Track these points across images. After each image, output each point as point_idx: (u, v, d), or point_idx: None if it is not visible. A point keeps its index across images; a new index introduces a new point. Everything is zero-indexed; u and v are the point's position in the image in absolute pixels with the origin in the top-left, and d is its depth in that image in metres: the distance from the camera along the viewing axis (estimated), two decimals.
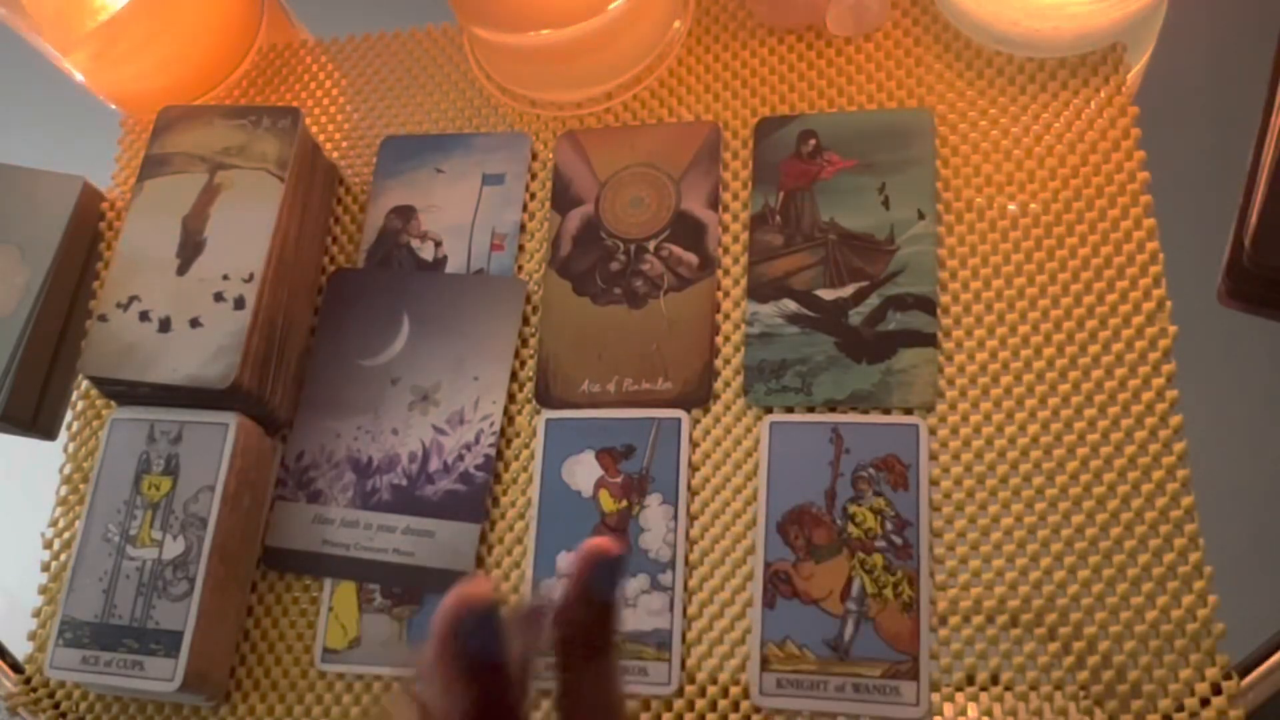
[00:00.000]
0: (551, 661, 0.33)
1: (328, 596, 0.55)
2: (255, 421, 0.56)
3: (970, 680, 0.48)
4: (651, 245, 0.59)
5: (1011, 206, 0.56)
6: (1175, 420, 0.50)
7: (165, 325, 0.56)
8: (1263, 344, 0.54)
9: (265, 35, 0.71)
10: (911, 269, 0.54)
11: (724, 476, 0.53)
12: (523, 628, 0.33)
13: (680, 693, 0.50)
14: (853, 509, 0.51)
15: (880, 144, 0.57)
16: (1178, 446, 0.49)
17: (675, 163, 0.60)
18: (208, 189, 0.59)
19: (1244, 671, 0.46)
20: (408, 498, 0.55)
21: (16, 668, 0.58)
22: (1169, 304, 0.52)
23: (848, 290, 0.55)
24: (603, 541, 0.34)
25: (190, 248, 0.58)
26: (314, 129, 0.67)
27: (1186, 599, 0.47)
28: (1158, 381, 0.51)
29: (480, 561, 0.54)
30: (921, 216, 0.55)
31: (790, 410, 0.54)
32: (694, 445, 0.54)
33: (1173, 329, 0.51)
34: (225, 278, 0.56)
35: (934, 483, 0.51)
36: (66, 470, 0.61)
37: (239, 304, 0.56)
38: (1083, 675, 0.47)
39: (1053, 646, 0.48)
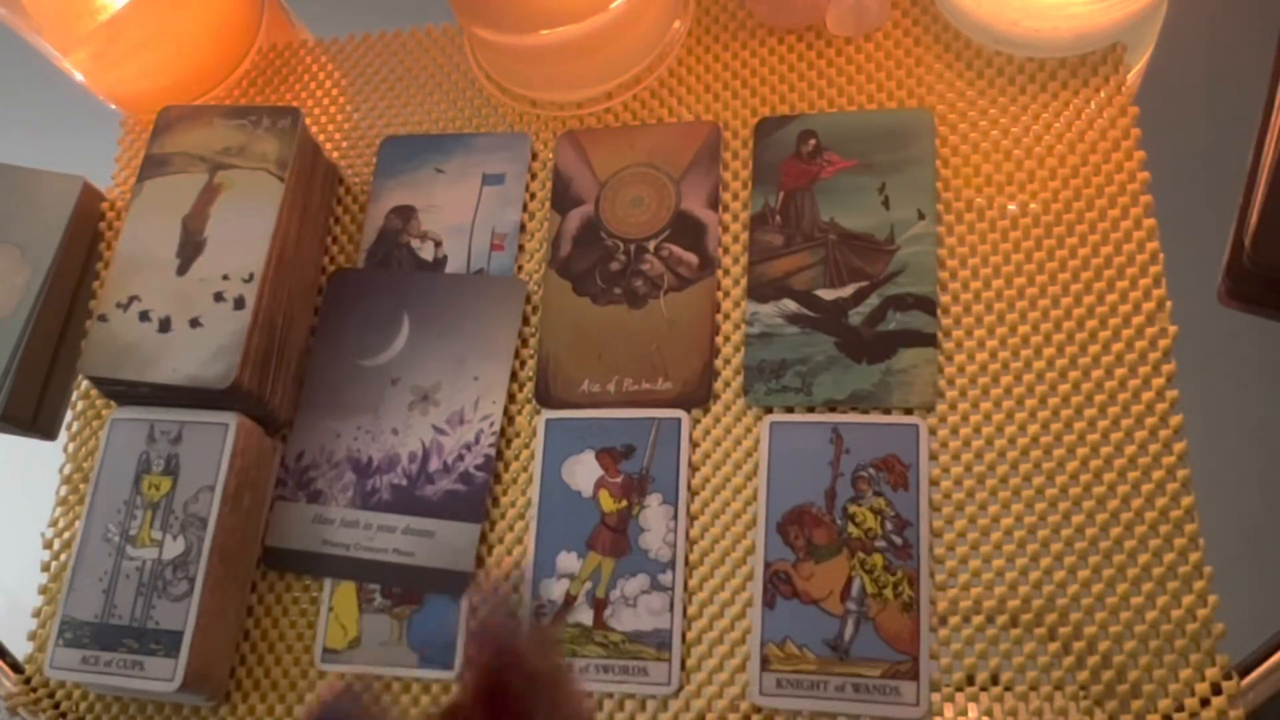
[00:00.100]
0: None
1: (328, 596, 0.55)
2: (255, 421, 0.56)
3: (970, 680, 0.48)
4: (651, 245, 0.59)
5: (1011, 206, 0.56)
6: (1175, 420, 0.50)
7: (165, 325, 0.56)
8: (1263, 344, 0.54)
9: (265, 35, 0.71)
10: (911, 269, 0.54)
11: (724, 476, 0.53)
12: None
13: (680, 693, 0.50)
14: (853, 509, 0.51)
15: (880, 144, 0.57)
16: (1178, 446, 0.49)
17: (675, 163, 0.60)
18: (208, 189, 0.59)
19: (1244, 671, 0.46)
20: (408, 498, 0.55)
21: (16, 668, 0.58)
22: (1169, 304, 0.52)
23: (848, 290, 0.55)
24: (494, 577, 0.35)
25: (190, 248, 0.58)
26: (314, 129, 0.67)
27: (1186, 599, 0.47)
28: (1158, 381, 0.51)
29: (480, 561, 0.54)
30: (921, 216, 0.55)
31: (790, 410, 0.54)
32: (694, 445, 0.54)
33: (1173, 329, 0.51)
34: (225, 278, 0.56)
35: (934, 483, 0.51)
36: (66, 470, 0.61)
37: (239, 304, 0.56)
38: (1083, 675, 0.47)
39: (1053, 646, 0.48)
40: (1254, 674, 0.46)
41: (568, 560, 0.53)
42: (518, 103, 0.64)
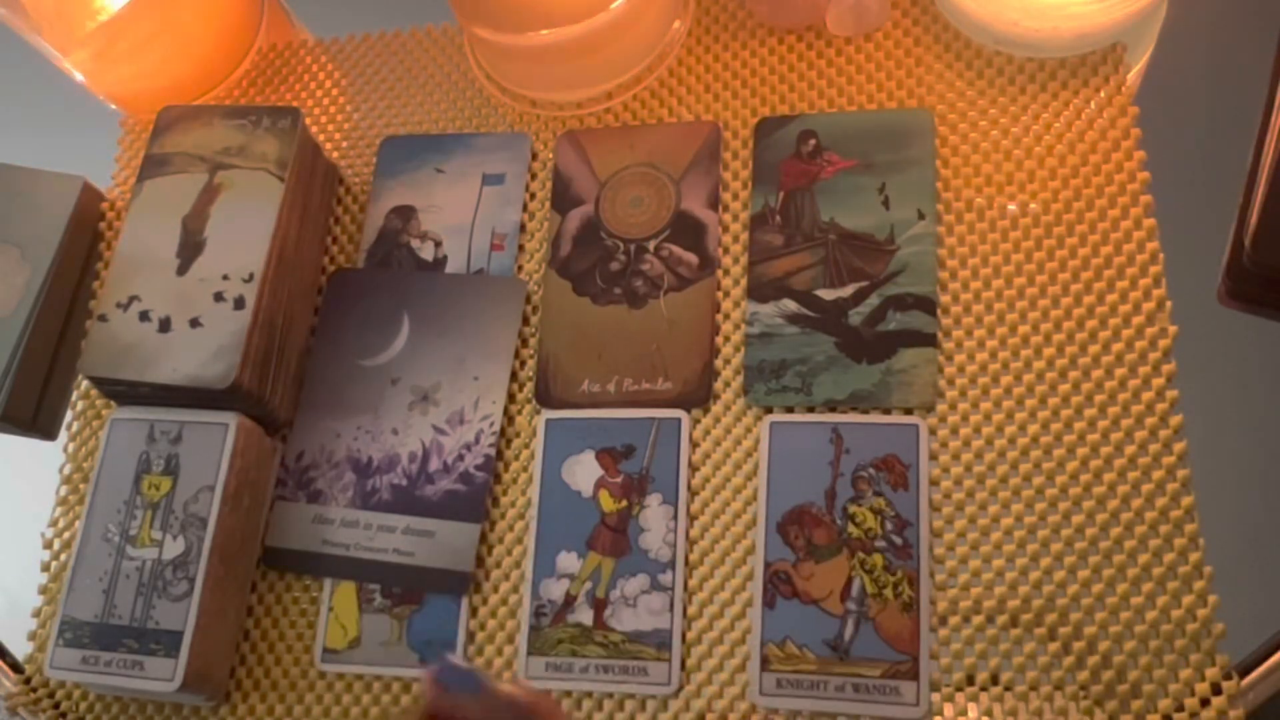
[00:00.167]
0: None
1: (328, 596, 0.55)
2: (255, 421, 0.56)
3: (970, 680, 0.48)
4: (651, 245, 0.59)
5: (1011, 206, 0.56)
6: (1175, 420, 0.50)
7: (165, 325, 0.56)
8: (1263, 344, 0.54)
9: (265, 35, 0.71)
10: (911, 269, 0.54)
11: (724, 476, 0.53)
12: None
13: (680, 693, 0.50)
14: (853, 509, 0.51)
15: (880, 144, 0.57)
16: (1178, 446, 0.49)
17: (675, 163, 0.60)
18: (208, 189, 0.59)
19: (1244, 671, 0.46)
20: (408, 498, 0.55)
21: (16, 668, 0.58)
22: (1169, 304, 0.52)
23: (848, 290, 0.55)
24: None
25: (190, 248, 0.58)
26: (314, 129, 0.67)
27: (1186, 599, 0.47)
28: (1158, 381, 0.51)
29: (480, 561, 0.54)
30: (921, 216, 0.55)
31: (790, 410, 0.54)
32: (694, 445, 0.54)
33: (1173, 329, 0.51)
34: (225, 278, 0.56)
35: (934, 483, 0.51)
36: (66, 470, 0.61)
37: (239, 304, 0.56)
38: (1083, 675, 0.47)
39: (1053, 646, 0.48)
40: (1254, 674, 0.46)
41: (568, 560, 0.53)
42: (518, 103, 0.64)
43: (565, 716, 0.37)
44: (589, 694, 0.51)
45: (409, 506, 0.55)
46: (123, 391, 0.57)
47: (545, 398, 0.56)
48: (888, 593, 0.49)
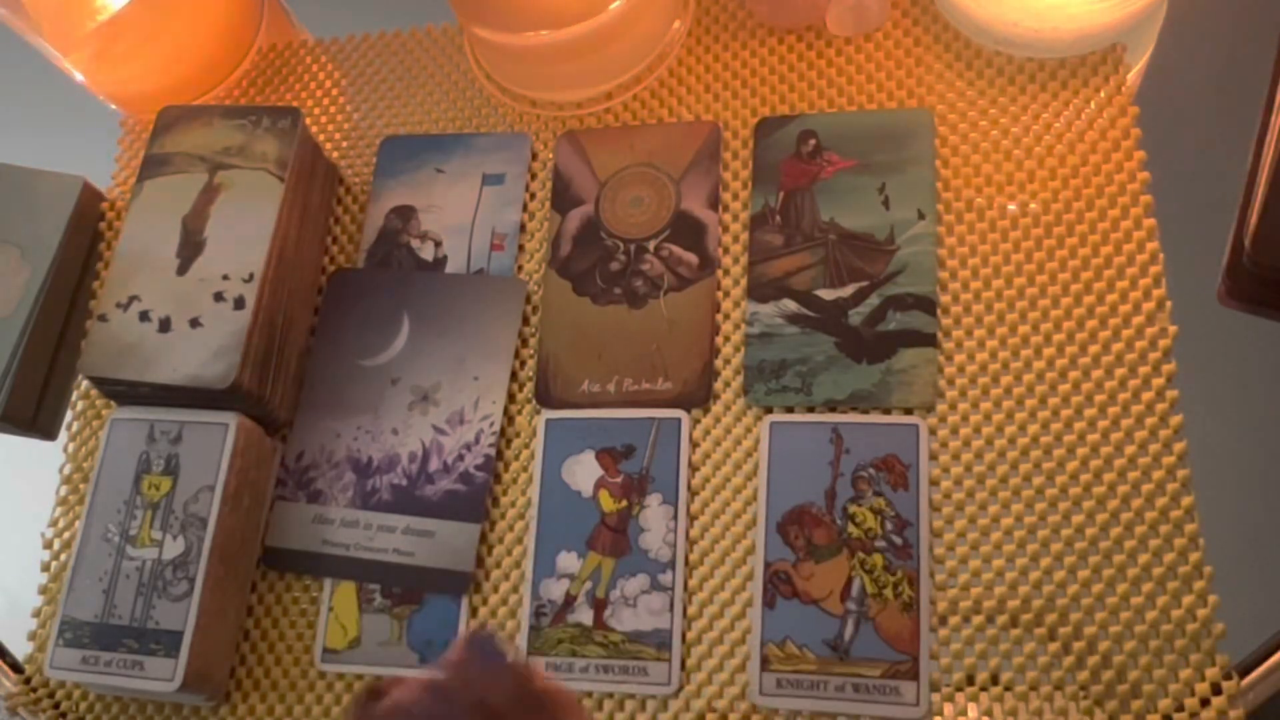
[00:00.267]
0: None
1: (328, 596, 0.55)
2: (255, 421, 0.56)
3: (970, 680, 0.48)
4: (651, 245, 0.59)
5: (1011, 206, 0.56)
6: (1175, 420, 0.50)
7: (165, 325, 0.56)
8: (1263, 344, 0.54)
9: (265, 35, 0.71)
10: (911, 269, 0.54)
11: (724, 476, 0.53)
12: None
13: (680, 693, 0.50)
14: (853, 509, 0.51)
15: (880, 144, 0.57)
16: (1178, 446, 0.49)
17: (675, 163, 0.60)
18: (208, 189, 0.59)
19: (1244, 671, 0.46)
20: (408, 498, 0.55)
21: (16, 668, 0.58)
22: (1169, 304, 0.52)
23: (848, 290, 0.55)
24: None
25: (190, 248, 0.58)
26: (314, 129, 0.67)
27: (1186, 599, 0.47)
28: (1158, 381, 0.51)
29: (480, 561, 0.54)
30: (921, 216, 0.55)
31: (790, 410, 0.54)
32: (694, 445, 0.54)
33: (1173, 329, 0.51)
34: (225, 278, 0.56)
35: (934, 483, 0.51)
36: (66, 470, 0.61)
37: (239, 304, 0.56)
38: (1083, 675, 0.47)
39: (1053, 646, 0.48)
40: (1254, 674, 0.46)
41: (568, 560, 0.53)
42: (518, 103, 0.64)
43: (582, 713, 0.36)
44: (589, 694, 0.51)
45: (409, 506, 0.55)
46: (123, 391, 0.57)
47: (545, 398, 0.56)
48: (888, 593, 0.49)
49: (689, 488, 0.54)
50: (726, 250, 0.58)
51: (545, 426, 0.56)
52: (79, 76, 0.67)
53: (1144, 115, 0.56)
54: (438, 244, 0.61)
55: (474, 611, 0.54)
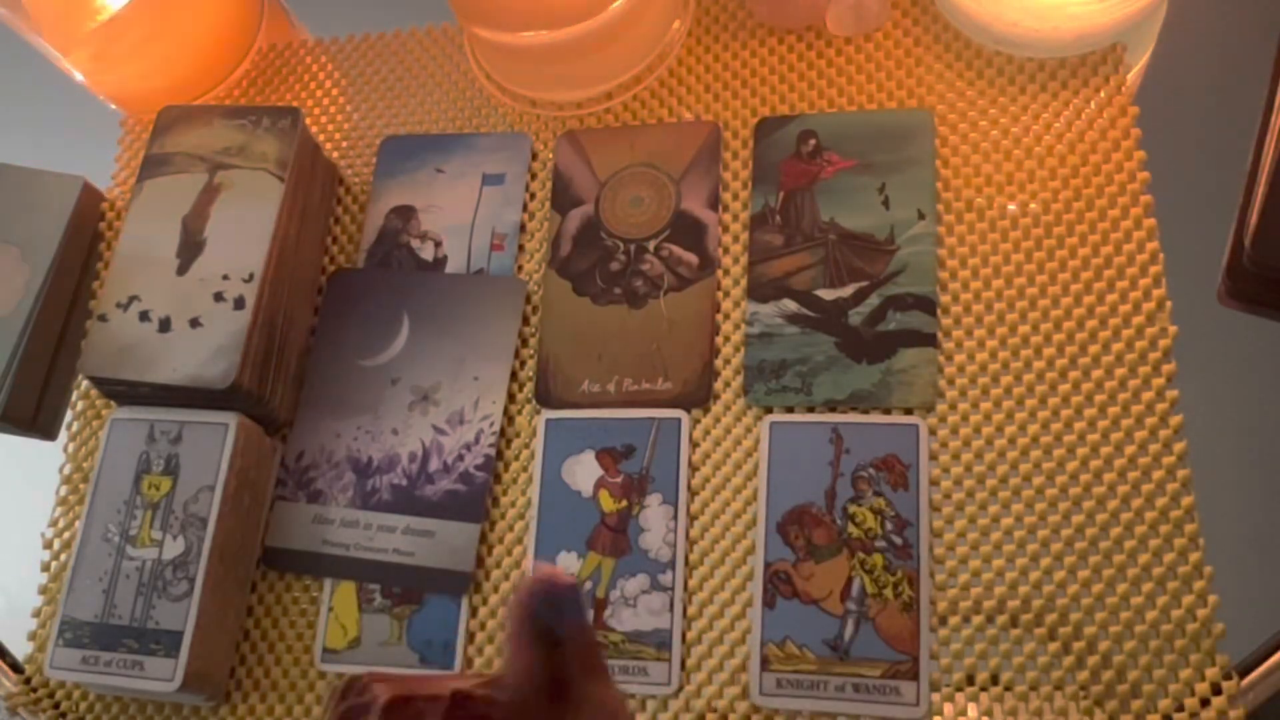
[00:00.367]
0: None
1: (328, 596, 0.55)
2: (255, 421, 0.56)
3: (970, 680, 0.48)
4: (651, 245, 0.59)
5: (1011, 206, 0.56)
6: (1175, 420, 0.50)
7: (165, 325, 0.56)
8: (1263, 344, 0.54)
9: (265, 35, 0.71)
10: (911, 269, 0.54)
11: (724, 476, 0.53)
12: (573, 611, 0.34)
13: (680, 693, 0.50)
14: (853, 509, 0.51)
15: (880, 144, 0.57)
16: (1178, 446, 0.49)
17: (675, 163, 0.60)
18: (208, 189, 0.59)
19: (1244, 671, 0.46)
20: (408, 498, 0.55)
21: (16, 668, 0.58)
22: (1169, 304, 0.52)
23: (848, 290, 0.55)
24: (548, 574, 0.33)
25: (190, 248, 0.58)
26: (314, 129, 0.67)
27: (1186, 599, 0.47)
28: (1158, 381, 0.51)
29: (480, 561, 0.54)
30: (921, 216, 0.55)
31: (790, 410, 0.54)
32: (694, 445, 0.54)
33: (1173, 329, 0.51)
34: (225, 278, 0.56)
35: (934, 483, 0.51)
36: (66, 470, 0.61)
37: (239, 304, 0.56)
38: (1083, 675, 0.47)
39: (1053, 646, 0.48)
40: (1254, 674, 0.46)
41: (568, 560, 0.53)
42: (518, 103, 0.64)
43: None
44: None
45: (409, 506, 0.55)
46: (123, 391, 0.57)
47: (545, 398, 0.56)
48: (888, 593, 0.49)
49: (689, 488, 0.54)
50: (726, 250, 0.58)
51: (545, 426, 0.56)
52: (79, 76, 0.67)
53: (1144, 115, 0.56)
54: (438, 244, 0.61)
55: (474, 611, 0.54)
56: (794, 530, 0.51)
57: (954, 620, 0.49)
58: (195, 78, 0.68)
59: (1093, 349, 0.52)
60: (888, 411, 0.53)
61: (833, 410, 0.53)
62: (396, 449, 0.57)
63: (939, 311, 0.54)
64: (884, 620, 0.49)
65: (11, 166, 0.66)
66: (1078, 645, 0.47)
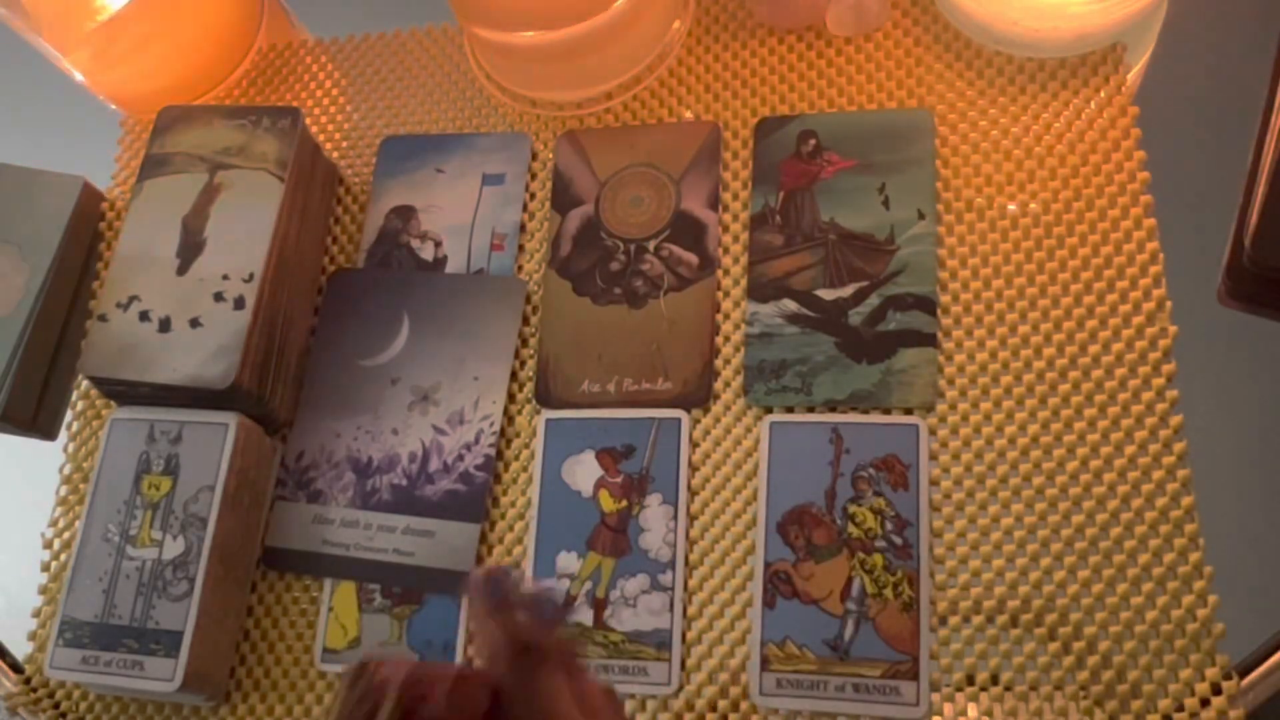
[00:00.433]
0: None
1: (328, 596, 0.55)
2: (255, 421, 0.56)
3: (970, 680, 0.48)
4: (651, 245, 0.59)
5: (1011, 206, 0.56)
6: (1175, 420, 0.50)
7: (165, 325, 0.56)
8: (1263, 344, 0.54)
9: (265, 35, 0.71)
10: (911, 269, 0.54)
11: (724, 476, 0.53)
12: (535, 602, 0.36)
13: (680, 693, 0.50)
14: (853, 509, 0.51)
15: (880, 144, 0.57)
16: (1178, 446, 0.49)
17: (675, 163, 0.60)
18: (208, 189, 0.59)
19: (1244, 671, 0.46)
20: (408, 498, 0.55)
21: (16, 668, 0.58)
22: (1169, 304, 0.52)
23: (848, 290, 0.55)
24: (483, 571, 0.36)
25: (190, 248, 0.58)
26: (314, 129, 0.67)
27: (1186, 599, 0.47)
28: (1158, 381, 0.51)
29: (480, 561, 0.54)
30: (921, 216, 0.55)
31: (790, 410, 0.54)
32: (694, 445, 0.54)
33: (1173, 329, 0.51)
34: (225, 278, 0.56)
35: (934, 483, 0.51)
36: (66, 470, 0.61)
37: (239, 304, 0.56)
38: (1083, 675, 0.47)
39: (1053, 646, 0.48)
40: (1254, 674, 0.46)
41: (568, 560, 0.53)
42: (518, 103, 0.64)
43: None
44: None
45: (409, 506, 0.55)
46: (123, 391, 0.57)
47: (545, 398, 0.56)
48: (888, 593, 0.49)
49: (689, 488, 0.54)
50: (726, 250, 0.58)
51: (545, 426, 0.56)
52: (79, 76, 0.67)
53: (1144, 115, 0.56)
54: (438, 244, 0.61)
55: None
56: (794, 530, 0.51)
57: (954, 620, 0.49)
58: (195, 78, 0.68)
59: (1093, 349, 0.52)
60: (888, 411, 0.53)
61: (833, 410, 0.53)
62: (396, 449, 0.57)
63: (939, 311, 0.54)
64: (884, 620, 0.49)
65: (11, 166, 0.66)
66: (1078, 645, 0.47)
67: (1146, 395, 0.51)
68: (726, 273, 0.57)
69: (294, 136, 0.60)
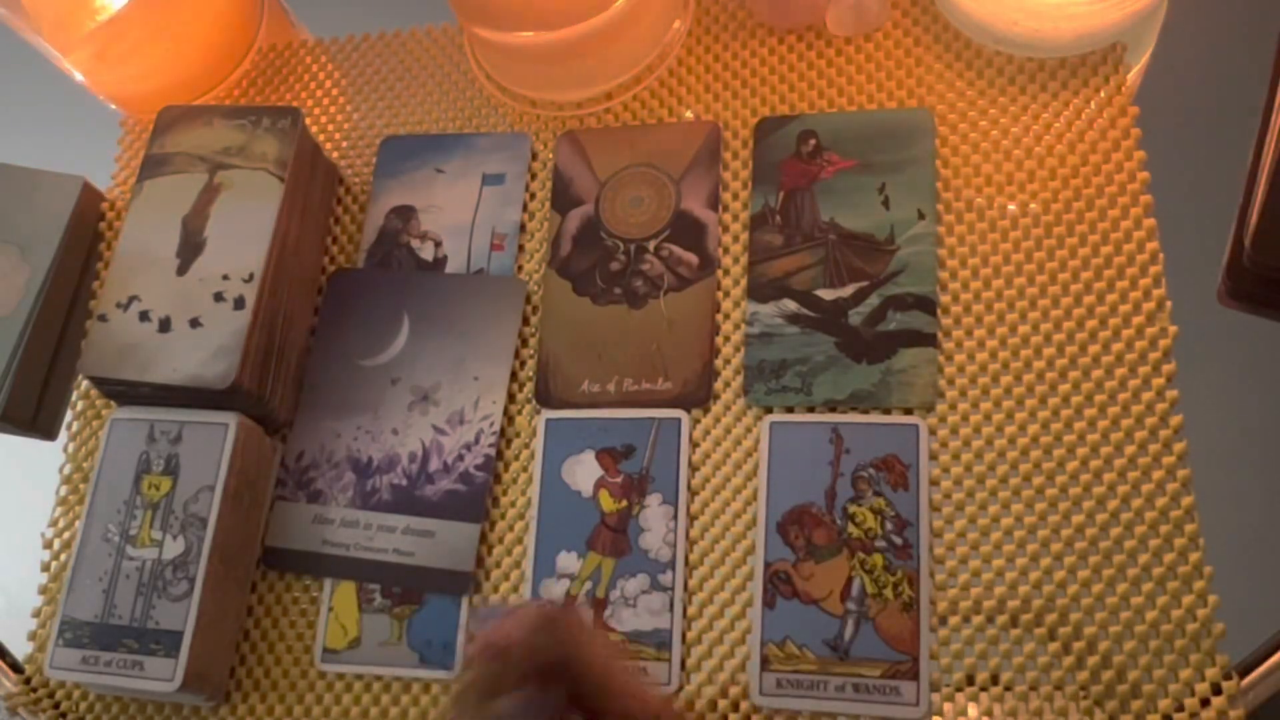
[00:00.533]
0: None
1: (328, 596, 0.55)
2: (255, 421, 0.56)
3: (970, 680, 0.48)
4: (651, 245, 0.59)
5: (1011, 206, 0.56)
6: (1175, 420, 0.50)
7: (165, 325, 0.56)
8: (1263, 344, 0.54)
9: (265, 35, 0.71)
10: (911, 269, 0.54)
11: (724, 476, 0.53)
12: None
13: (680, 693, 0.50)
14: (853, 509, 0.51)
15: (880, 144, 0.57)
16: (1178, 446, 0.49)
17: (675, 163, 0.60)
18: (208, 189, 0.59)
19: (1244, 671, 0.46)
20: (408, 498, 0.55)
21: (16, 668, 0.58)
22: (1169, 304, 0.52)
23: (848, 290, 0.55)
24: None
25: (190, 248, 0.58)
26: (314, 129, 0.67)
27: (1186, 599, 0.47)
28: (1158, 381, 0.51)
29: (480, 561, 0.54)
30: (921, 216, 0.55)
31: (790, 410, 0.54)
32: (694, 445, 0.54)
33: (1173, 329, 0.51)
34: (225, 278, 0.56)
35: (934, 483, 0.51)
36: (66, 470, 0.61)
37: (239, 304, 0.56)
38: (1083, 675, 0.47)
39: (1053, 646, 0.48)
40: (1254, 674, 0.46)
41: (568, 560, 0.53)
42: (518, 103, 0.64)
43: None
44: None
45: (409, 506, 0.55)
46: (123, 391, 0.57)
47: (545, 398, 0.56)
48: (888, 593, 0.49)
49: (689, 488, 0.54)
50: (726, 250, 0.58)
51: (545, 426, 0.56)
52: (79, 76, 0.67)
53: (1144, 115, 0.56)
54: (438, 244, 0.61)
55: (474, 611, 0.54)
56: (794, 530, 0.51)
57: (954, 620, 0.49)
58: (195, 78, 0.68)
59: (1093, 349, 0.52)
60: (888, 411, 0.53)
61: (833, 410, 0.53)
62: (396, 449, 0.57)
63: (939, 311, 0.54)
64: (884, 620, 0.49)
65: (11, 166, 0.66)
66: (1078, 645, 0.47)
67: (1146, 395, 0.51)
68: (726, 273, 0.57)
69: (294, 136, 0.60)
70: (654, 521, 0.53)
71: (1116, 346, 0.52)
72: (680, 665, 0.51)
